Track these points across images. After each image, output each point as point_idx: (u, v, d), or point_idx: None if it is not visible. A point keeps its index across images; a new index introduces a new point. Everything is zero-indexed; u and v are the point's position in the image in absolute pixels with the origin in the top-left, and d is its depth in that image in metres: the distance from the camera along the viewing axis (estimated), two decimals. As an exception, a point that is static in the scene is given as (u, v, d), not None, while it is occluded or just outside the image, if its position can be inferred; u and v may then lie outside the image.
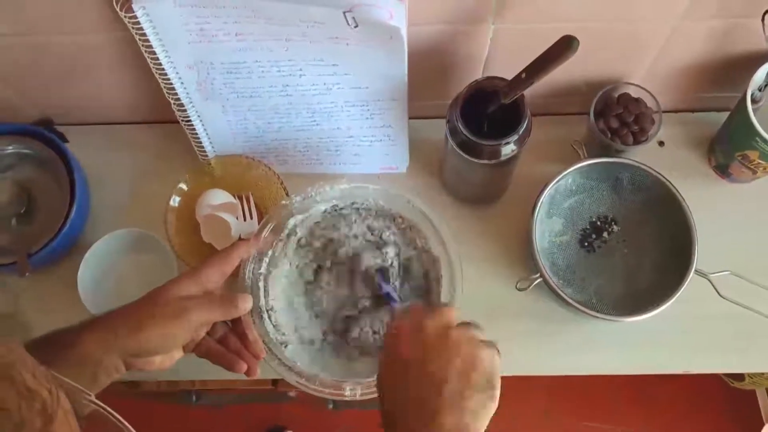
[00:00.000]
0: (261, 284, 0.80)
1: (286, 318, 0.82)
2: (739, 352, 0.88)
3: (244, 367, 0.72)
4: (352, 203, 0.84)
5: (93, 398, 0.45)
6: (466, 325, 0.62)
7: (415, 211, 0.82)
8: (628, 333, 0.87)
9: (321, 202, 0.83)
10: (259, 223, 0.89)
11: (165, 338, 0.66)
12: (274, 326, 0.80)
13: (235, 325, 0.75)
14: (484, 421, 0.58)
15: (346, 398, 0.74)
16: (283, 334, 0.80)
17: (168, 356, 0.68)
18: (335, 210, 0.84)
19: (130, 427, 0.47)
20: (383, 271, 0.81)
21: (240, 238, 0.88)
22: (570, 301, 0.81)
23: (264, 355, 0.74)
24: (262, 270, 0.80)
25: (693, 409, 1.74)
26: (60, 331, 0.65)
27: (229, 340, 0.74)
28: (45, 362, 0.61)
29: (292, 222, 0.83)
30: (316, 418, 1.67)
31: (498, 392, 0.59)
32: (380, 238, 0.83)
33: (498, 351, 0.61)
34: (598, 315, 0.81)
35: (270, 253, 0.81)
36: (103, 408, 0.46)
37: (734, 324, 0.86)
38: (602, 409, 1.74)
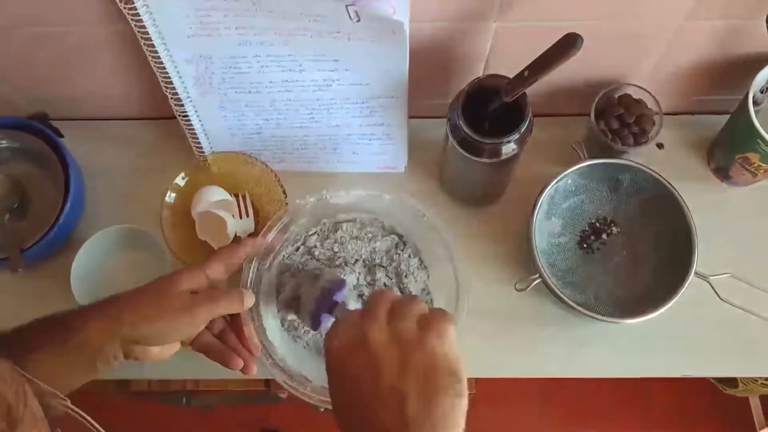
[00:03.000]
0: (263, 282, 0.79)
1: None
2: (739, 355, 0.87)
3: (241, 363, 0.71)
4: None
5: (68, 403, 0.44)
6: (403, 312, 0.56)
7: (425, 224, 0.80)
8: (627, 335, 0.86)
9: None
10: (255, 221, 0.88)
11: (169, 330, 0.66)
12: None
13: (233, 321, 0.74)
14: (460, 420, 0.52)
15: None
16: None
17: (167, 348, 0.68)
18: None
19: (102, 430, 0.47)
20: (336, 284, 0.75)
21: (236, 236, 0.87)
22: (569, 302, 0.80)
23: (259, 352, 0.73)
24: (266, 268, 0.80)
25: (685, 416, 1.73)
26: (62, 313, 0.64)
27: (228, 336, 0.73)
28: (44, 343, 0.60)
29: (302, 222, 0.82)
30: (308, 421, 1.66)
31: (465, 384, 0.53)
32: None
33: (450, 319, 0.55)
34: (596, 316, 0.80)
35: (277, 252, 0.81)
36: (78, 413, 0.45)
37: (734, 327, 0.86)
38: (594, 416, 1.74)
